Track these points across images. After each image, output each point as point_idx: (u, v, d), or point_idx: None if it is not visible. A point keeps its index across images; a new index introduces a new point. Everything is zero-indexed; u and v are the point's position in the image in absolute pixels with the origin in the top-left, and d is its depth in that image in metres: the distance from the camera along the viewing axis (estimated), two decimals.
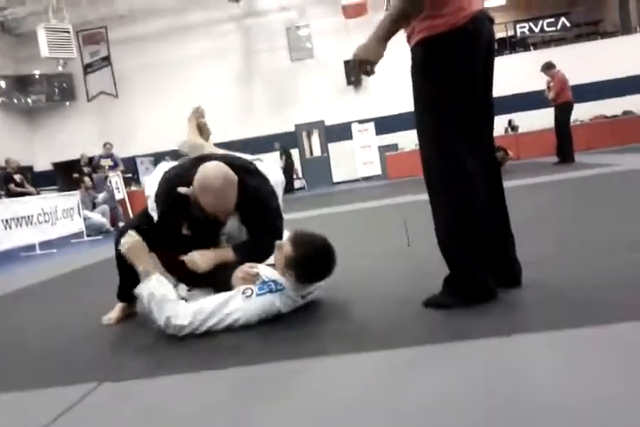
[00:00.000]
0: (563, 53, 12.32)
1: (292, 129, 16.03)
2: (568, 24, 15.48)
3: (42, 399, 1.68)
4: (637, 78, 13.66)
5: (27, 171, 14.04)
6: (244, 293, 2.08)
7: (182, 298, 2.20)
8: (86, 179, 10.21)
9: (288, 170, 14.38)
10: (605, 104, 14.11)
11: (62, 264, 5.51)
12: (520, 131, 14.01)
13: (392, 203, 6.33)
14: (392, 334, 1.79)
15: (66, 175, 13.82)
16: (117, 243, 2.36)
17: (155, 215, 2.30)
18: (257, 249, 2.30)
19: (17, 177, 9.66)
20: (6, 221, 7.15)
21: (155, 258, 2.37)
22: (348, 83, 15.53)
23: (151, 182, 2.37)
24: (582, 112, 12.08)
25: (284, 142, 15.09)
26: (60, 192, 10.03)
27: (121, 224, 9.30)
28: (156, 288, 2.11)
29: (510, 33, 15.75)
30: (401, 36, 2.08)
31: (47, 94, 16.46)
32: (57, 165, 16.62)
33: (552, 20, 15.47)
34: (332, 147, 16.04)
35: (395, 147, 14.03)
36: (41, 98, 16.41)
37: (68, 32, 13.22)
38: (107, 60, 16.33)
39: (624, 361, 1.34)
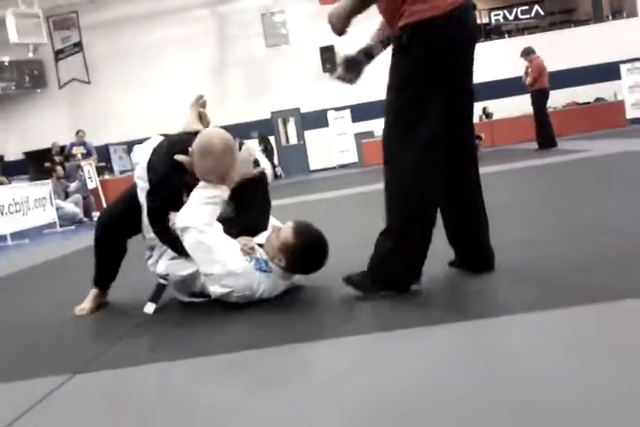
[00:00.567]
0: (536, 41, 12.36)
1: (269, 116, 15.91)
2: (542, 12, 15.64)
3: (9, 394, 1.64)
4: (609, 66, 13.83)
5: None
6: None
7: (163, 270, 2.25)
8: (58, 168, 10.00)
9: (268, 157, 14.29)
10: (578, 91, 14.29)
11: (35, 255, 5.43)
12: (495, 118, 14.13)
13: (367, 190, 6.35)
14: (361, 321, 1.82)
15: (37, 164, 13.52)
16: (99, 229, 2.42)
17: (140, 183, 2.23)
18: (245, 225, 2.28)
19: None
20: None
21: None
22: (324, 70, 15.39)
23: (142, 150, 2.30)
24: (555, 99, 12.19)
25: (261, 130, 14.96)
26: (32, 182, 9.80)
27: (95, 214, 9.17)
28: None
29: (485, 20, 15.80)
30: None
31: (17, 81, 15.97)
32: (28, 154, 16.24)
33: (526, 7, 15.60)
34: (308, 134, 15.94)
35: (371, 134, 14.02)
36: (10, 85, 15.93)
37: (38, 17, 12.83)
38: (78, 46, 15.93)
39: (596, 341, 1.38)
